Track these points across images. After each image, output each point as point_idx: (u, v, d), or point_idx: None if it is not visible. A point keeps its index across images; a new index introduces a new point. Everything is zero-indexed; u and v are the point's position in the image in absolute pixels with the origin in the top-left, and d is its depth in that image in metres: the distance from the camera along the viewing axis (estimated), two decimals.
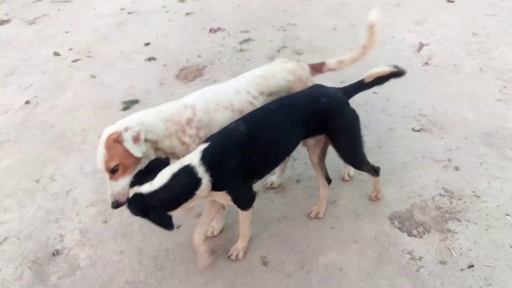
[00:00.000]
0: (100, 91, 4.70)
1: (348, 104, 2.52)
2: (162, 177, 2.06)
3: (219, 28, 5.99)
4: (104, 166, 2.13)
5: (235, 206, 2.40)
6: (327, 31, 5.61)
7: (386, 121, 3.74)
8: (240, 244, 2.60)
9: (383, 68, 2.53)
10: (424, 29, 5.39)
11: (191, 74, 4.84)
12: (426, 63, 4.62)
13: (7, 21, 7.06)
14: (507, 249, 2.50)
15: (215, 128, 2.37)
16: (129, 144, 2.10)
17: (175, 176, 2.07)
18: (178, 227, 2.82)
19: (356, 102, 4.00)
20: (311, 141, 2.61)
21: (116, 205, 2.16)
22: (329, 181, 2.79)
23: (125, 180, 2.16)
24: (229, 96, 2.49)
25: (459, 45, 4.91)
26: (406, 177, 3.10)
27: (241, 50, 5.29)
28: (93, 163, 2.51)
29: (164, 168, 2.11)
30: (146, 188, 2.04)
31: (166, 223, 2.05)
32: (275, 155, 2.45)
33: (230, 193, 2.26)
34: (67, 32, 6.42)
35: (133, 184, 2.11)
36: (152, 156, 2.27)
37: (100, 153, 2.13)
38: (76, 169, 3.50)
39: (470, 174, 3.08)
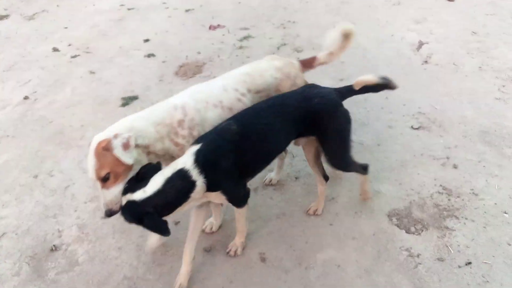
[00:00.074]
0: (99, 87, 4.69)
1: (341, 105, 2.48)
2: (155, 183, 2.02)
3: (218, 25, 5.99)
4: (95, 174, 2.08)
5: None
6: (326, 28, 5.49)
7: (385, 119, 3.74)
8: (238, 240, 2.61)
9: (369, 78, 2.45)
10: (424, 27, 5.40)
11: (191, 71, 4.83)
12: (426, 62, 4.62)
13: (6, 16, 7.04)
14: (505, 246, 2.51)
15: (208, 127, 2.34)
16: (119, 152, 2.05)
17: (169, 181, 2.03)
18: (177, 223, 2.82)
19: (355, 99, 3.99)
20: (302, 140, 2.60)
21: (109, 213, 2.11)
22: (326, 178, 2.79)
23: (118, 188, 2.10)
24: (218, 94, 2.45)
25: (458, 44, 4.92)
26: (404, 175, 3.11)
27: (240, 47, 5.29)
28: None
29: (156, 174, 2.06)
30: (139, 195, 1.99)
31: (162, 229, 2.00)
32: (266, 154, 2.42)
33: (225, 192, 2.24)
34: (66, 27, 6.40)
35: (125, 191, 2.06)
36: (145, 161, 2.21)
37: (90, 161, 2.08)
38: (74, 165, 3.50)
39: (468, 172, 3.09)
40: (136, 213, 1.99)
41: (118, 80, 4.80)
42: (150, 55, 5.29)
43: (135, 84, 4.67)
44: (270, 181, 3.13)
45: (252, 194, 2.99)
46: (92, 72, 5.00)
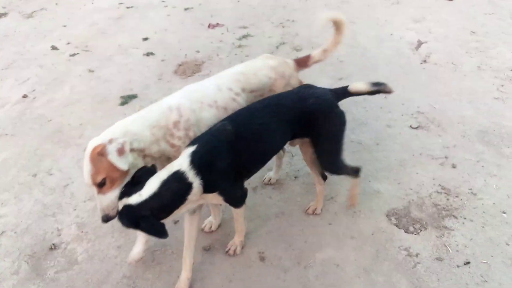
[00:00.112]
0: (98, 85, 4.69)
1: (337, 106, 2.45)
2: (151, 186, 2.00)
3: (217, 24, 5.98)
4: (91, 180, 2.05)
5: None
6: (326, 27, 5.57)
7: (384, 118, 3.75)
8: (237, 239, 2.61)
9: (361, 86, 2.43)
10: (423, 27, 5.40)
11: (190, 69, 4.83)
12: (425, 61, 4.63)
13: (5, 14, 7.02)
14: (503, 246, 2.52)
15: (203, 127, 2.32)
16: (114, 157, 2.02)
17: (165, 184, 2.01)
18: (176, 222, 2.82)
19: (354, 99, 3.99)
20: (297, 141, 2.59)
21: (106, 219, 2.09)
22: (324, 177, 2.78)
23: (114, 193, 2.08)
24: (212, 93, 2.42)
25: (457, 43, 4.93)
26: (403, 174, 3.11)
27: (239, 46, 5.28)
28: None
29: (152, 177, 2.05)
30: (135, 199, 1.97)
31: (159, 232, 1.99)
32: (262, 154, 2.41)
33: (222, 193, 2.22)
34: (65, 26, 6.39)
35: (121, 196, 2.04)
36: (140, 164, 2.18)
37: (86, 167, 2.05)
38: (73, 164, 3.49)
39: (467, 171, 3.09)
40: (133, 217, 1.97)
41: (117, 78, 4.79)
42: (149, 54, 5.28)
43: (134, 83, 4.66)
44: (269, 180, 3.13)
45: (251, 193, 3.02)
46: (91, 71, 5.00)
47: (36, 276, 2.57)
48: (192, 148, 2.11)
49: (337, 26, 2.76)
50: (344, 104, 3.93)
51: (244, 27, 5.79)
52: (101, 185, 2.06)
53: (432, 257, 2.49)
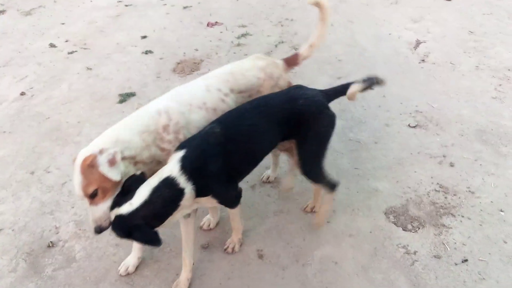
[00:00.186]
0: (96, 83, 4.67)
1: (327, 108, 2.41)
2: (141, 194, 1.96)
3: (216, 22, 5.97)
4: (82, 192, 2.01)
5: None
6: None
7: (383, 117, 3.75)
8: (235, 237, 2.61)
9: (356, 88, 2.38)
10: (421, 26, 5.41)
11: (188, 68, 4.82)
12: (423, 60, 4.64)
13: (3, 11, 6.99)
14: (501, 244, 2.53)
15: (193, 129, 2.29)
16: (105, 169, 1.98)
17: (155, 191, 1.97)
18: None
19: None
20: (286, 144, 2.54)
21: (99, 230, 2.05)
22: None
23: (106, 203, 2.04)
24: (201, 95, 2.39)
25: (456, 43, 4.94)
26: (401, 173, 3.12)
27: (238, 45, 5.28)
28: None
29: (142, 184, 2.00)
30: (126, 208, 1.93)
31: (153, 240, 1.95)
32: (253, 156, 2.37)
33: (216, 196, 2.20)
34: (63, 23, 6.36)
35: (112, 206, 2.01)
36: (132, 171, 2.14)
37: (77, 179, 2.01)
38: (71, 162, 3.44)
39: (465, 170, 3.10)
40: (125, 227, 1.93)
41: (115, 76, 4.78)
42: (147, 52, 5.27)
43: (133, 81, 4.65)
44: (268, 178, 3.13)
45: (249, 191, 3.02)
46: (89, 68, 4.98)
47: (34, 274, 2.57)
48: (181, 153, 2.07)
49: (321, 11, 2.71)
50: (343, 103, 3.96)
51: (243, 26, 5.79)
52: (92, 196, 2.02)
53: (430, 255, 2.50)
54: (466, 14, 5.64)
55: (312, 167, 2.47)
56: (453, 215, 2.74)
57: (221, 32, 5.69)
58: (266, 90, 2.53)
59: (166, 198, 1.99)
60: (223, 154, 2.13)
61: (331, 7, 6.27)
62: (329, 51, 4.94)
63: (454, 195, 2.90)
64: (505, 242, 2.54)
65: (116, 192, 2.07)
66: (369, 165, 3.22)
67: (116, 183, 2.06)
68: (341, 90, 2.50)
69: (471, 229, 2.64)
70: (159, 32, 5.84)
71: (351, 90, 2.40)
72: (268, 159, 3.10)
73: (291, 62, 2.77)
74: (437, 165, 3.17)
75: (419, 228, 2.68)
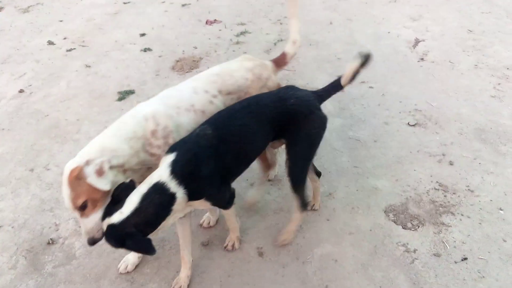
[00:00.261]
0: (95, 80, 4.66)
1: (319, 109, 2.38)
2: (131, 202, 1.92)
3: (215, 20, 5.97)
4: (72, 205, 1.97)
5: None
6: (324, 25, 5.61)
7: (382, 115, 3.76)
8: (233, 235, 2.61)
9: (354, 66, 2.38)
10: (420, 25, 5.42)
11: (187, 66, 4.82)
12: (422, 59, 4.64)
13: (0, 8, 6.97)
14: (500, 242, 2.54)
15: (183, 132, 2.25)
16: (93, 180, 1.94)
17: (145, 197, 1.93)
18: None
19: (352, 96, 4.05)
20: (277, 144, 2.54)
21: (92, 242, 2.03)
22: (318, 174, 2.77)
23: (97, 214, 2.01)
24: (189, 97, 2.35)
25: (454, 41, 4.95)
26: (401, 171, 3.13)
27: (237, 43, 5.28)
28: None
29: (132, 192, 1.97)
30: (117, 217, 1.90)
31: (146, 248, 1.92)
32: (245, 156, 2.34)
33: (209, 199, 2.16)
34: (61, 21, 6.35)
35: (104, 217, 1.97)
36: (122, 179, 2.10)
37: (65, 191, 1.97)
38: (70, 159, 3.46)
39: (464, 169, 3.11)
40: (117, 237, 1.90)
41: (114, 74, 4.77)
42: (146, 50, 5.26)
43: (131, 79, 4.64)
44: (268, 176, 3.13)
45: (249, 189, 3.02)
46: (87, 66, 4.97)
47: (34, 271, 2.56)
48: (171, 157, 2.03)
49: (291, 4, 2.76)
50: (343, 102, 3.97)
51: (242, 24, 5.78)
52: (83, 208, 1.98)
53: (429, 253, 2.50)
54: (465, 13, 5.65)
55: (299, 169, 2.44)
56: (453, 214, 2.75)
57: (220, 30, 5.68)
58: (254, 91, 2.50)
59: (157, 204, 1.95)
60: (215, 156, 2.10)
61: (330, 6, 6.28)
62: (328, 50, 4.95)
63: (454, 193, 2.90)
64: (505, 241, 2.55)
65: (107, 202, 2.03)
66: (368, 163, 3.23)
67: (105, 193, 2.02)
68: (332, 88, 2.49)
69: (470, 228, 2.65)
70: (158, 29, 5.83)
71: (345, 77, 2.40)
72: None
73: (280, 62, 2.76)
74: (436, 163, 3.18)
75: (418, 227, 2.68)
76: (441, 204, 2.83)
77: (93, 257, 2.63)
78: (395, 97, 3.99)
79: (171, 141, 2.20)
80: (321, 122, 2.39)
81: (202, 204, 2.18)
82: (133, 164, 2.15)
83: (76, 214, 2.01)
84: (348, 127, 3.63)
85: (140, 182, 2.04)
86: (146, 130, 2.18)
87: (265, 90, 2.52)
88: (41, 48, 5.50)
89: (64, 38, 5.74)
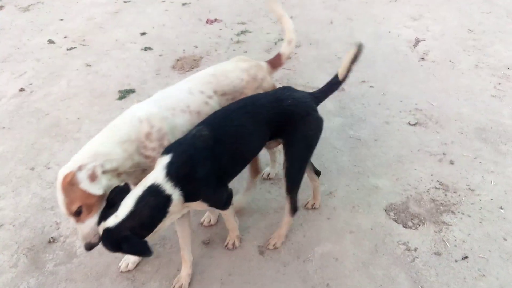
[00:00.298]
0: (95, 79, 4.66)
1: (315, 110, 2.37)
2: (126, 205, 1.91)
3: (215, 19, 5.97)
4: (67, 211, 1.95)
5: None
6: (324, 24, 5.62)
7: (382, 114, 3.76)
8: (233, 234, 2.60)
9: (349, 54, 2.35)
10: (421, 24, 5.43)
11: (188, 65, 4.82)
12: (422, 58, 4.65)
13: (1, 7, 6.96)
14: (501, 241, 2.54)
15: (178, 134, 2.22)
16: (85, 185, 1.92)
17: (140, 200, 1.92)
18: None
19: (352, 95, 4.06)
20: (273, 144, 2.54)
21: (89, 247, 2.01)
22: (317, 173, 2.76)
23: (93, 219, 1.99)
24: (184, 98, 2.32)
25: (455, 41, 4.95)
26: (401, 170, 3.13)
27: (238, 42, 5.28)
28: None
29: (127, 195, 1.95)
30: (112, 221, 1.88)
31: (142, 251, 1.91)
32: (242, 157, 2.32)
33: (206, 200, 2.15)
34: (61, 20, 6.35)
35: (99, 221, 1.95)
36: (117, 183, 2.08)
37: (59, 198, 1.96)
38: (71, 158, 3.46)
39: (465, 168, 3.12)
40: (114, 241, 1.89)
41: (114, 73, 4.77)
42: (147, 49, 5.26)
43: (132, 78, 4.64)
44: (268, 175, 3.14)
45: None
46: (88, 65, 4.97)
47: (35, 269, 2.56)
48: (167, 159, 2.01)
49: (277, 12, 2.75)
50: (343, 101, 3.98)
51: (242, 23, 5.78)
52: (78, 214, 1.97)
53: (430, 252, 2.51)
54: (465, 13, 5.66)
55: (296, 170, 2.43)
56: (453, 213, 2.75)
57: (220, 29, 5.69)
58: (250, 92, 2.48)
59: (153, 206, 1.94)
60: (211, 157, 2.08)
61: (331, 5, 6.30)
62: (328, 49, 4.95)
63: (454, 192, 2.91)
64: (505, 239, 2.55)
65: (102, 207, 2.02)
66: (369, 162, 3.23)
67: (100, 198, 2.00)
68: (330, 87, 2.48)
69: (471, 226, 2.65)
70: (158, 29, 5.83)
71: (341, 71, 2.39)
72: (266, 156, 3.12)
73: (275, 63, 2.74)
74: (437, 162, 3.18)
75: (419, 225, 2.69)
76: (441, 203, 2.83)
77: (94, 255, 2.62)
78: (396, 97, 3.99)
79: (166, 143, 2.18)
80: (318, 124, 2.38)
81: (199, 206, 2.17)
82: (127, 167, 2.13)
83: (72, 219, 2.00)
84: (349, 126, 3.63)
85: (136, 184, 2.03)
86: (140, 133, 2.15)
87: (260, 91, 2.51)
88: (42, 47, 5.50)
89: (65, 37, 5.74)
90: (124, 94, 4.33)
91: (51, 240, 2.74)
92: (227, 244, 2.62)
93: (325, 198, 2.93)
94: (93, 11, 6.55)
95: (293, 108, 2.28)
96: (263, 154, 2.90)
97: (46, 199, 3.06)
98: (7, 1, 7.20)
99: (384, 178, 3.06)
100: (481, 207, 2.78)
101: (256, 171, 2.81)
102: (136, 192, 1.95)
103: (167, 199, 1.97)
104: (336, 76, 2.46)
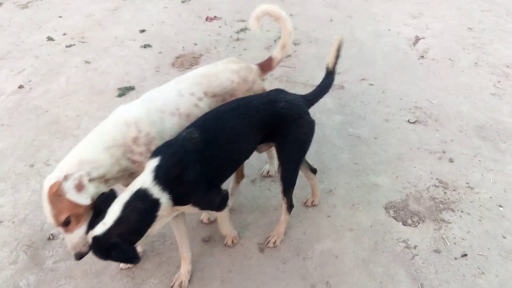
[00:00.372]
0: (95, 77, 4.65)
1: (307, 113, 2.37)
2: (113, 212, 1.87)
3: (215, 17, 5.96)
4: (54, 222, 1.91)
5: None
6: (324, 22, 5.61)
7: (382, 112, 3.76)
8: (229, 236, 2.58)
9: (335, 44, 2.42)
10: (420, 22, 5.43)
11: (187, 62, 4.81)
12: (422, 57, 4.65)
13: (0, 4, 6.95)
14: (500, 239, 2.55)
15: (167, 138, 2.17)
16: (72, 195, 1.88)
17: (127, 205, 1.88)
18: None
19: (352, 93, 4.06)
20: (264, 147, 2.52)
21: (79, 256, 1.97)
22: (313, 171, 2.75)
23: (82, 229, 1.94)
24: (174, 100, 2.27)
25: (454, 39, 4.95)
26: (401, 168, 3.13)
27: (237, 39, 5.27)
28: None
29: (114, 202, 1.92)
30: (100, 229, 1.85)
31: (130, 258, 1.89)
32: (233, 159, 2.29)
33: (196, 204, 2.09)
34: (60, 17, 6.33)
35: (88, 230, 1.92)
36: (104, 190, 2.04)
37: (46, 208, 1.90)
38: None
39: (464, 166, 3.12)
40: (103, 248, 1.86)
41: (113, 70, 4.76)
42: (146, 46, 5.25)
43: (131, 75, 4.64)
44: (268, 172, 3.14)
45: (250, 185, 3.03)
46: (87, 62, 4.96)
47: (35, 266, 2.56)
48: (155, 162, 1.97)
49: (276, 18, 2.73)
50: (343, 99, 3.98)
51: (242, 21, 5.77)
52: (66, 224, 1.92)
53: (430, 249, 2.51)
54: (465, 11, 5.66)
55: (290, 173, 2.43)
56: (453, 210, 2.76)
57: (220, 27, 5.68)
58: (240, 94, 2.44)
59: (141, 211, 1.90)
60: (201, 160, 2.04)
61: (331, 3, 6.28)
62: (328, 47, 4.87)
63: (454, 190, 2.91)
64: (504, 237, 2.56)
65: (91, 215, 1.98)
66: (369, 160, 3.23)
67: (88, 207, 1.96)
68: (320, 92, 2.49)
69: (470, 224, 2.66)
70: (158, 26, 5.82)
71: (331, 53, 2.46)
72: (263, 156, 3.11)
73: (266, 67, 2.69)
74: (436, 160, 3.18)
75: (419, 223, 2.69)
76: (441, 201, 2.83)
77: None
78: (395, 95, 3.99)
79: (154, 148, 2.12)
80: (310, 126, 2.37)
81: (189, 209, 2.12)
82: (114, 172, 2.08)
83: (60, 230, 1.96)
84: (349, 124, 3.63)
85: (126, 186, 2.00)
86: (127, 137, 2.09)
87: (251, 94, 2.48)
88: (41, 44, 5.49)
89: (64, 34, 5.72)
90: (124, 91, 4.32)
91: (51, 237, 2.74)
92: (226, 242, 2.61)
93: (325, 195, 2.93)
94: (92, 8, 6.53)
95: (286, 111, 2.26)
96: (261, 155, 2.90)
97: None
98: None
99: (384, 176, 3.07)
100: (481, 205, 2.78)
101: (241, 175, 2.81)
102: (123, 197, 1.91)
103: (155, 203, 1.93)
104: (325, 78, 2.49)
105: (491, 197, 2.84)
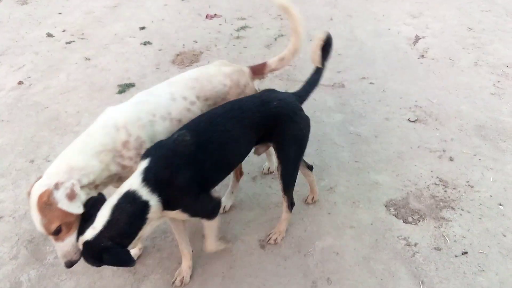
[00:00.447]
0: (95, 73, 4.65)
1: (301, 109, 2.35)
2: (102, 215, 1.83)
3: (215, 15, 5.96)
4: (45, 231, 1.86)
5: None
6: (324, 21, 5.62)
7: (382, 111, 3.77)
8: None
9: (319, 38, 2.40)
10: (420, 22, 5.44)
11: (187, 59, 4.81)
12: (422, 56, 4.66)
13: None
14: (500, 237, 2.56)
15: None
16: (64, 205, 1.83)
17: (116, 209, 1.84)
18: None
19: (352, 91, 4.07)
20: (262, 149, 2.51)
21: (70, 264, 1.93)
22: (310, 168, 2.74)
23: (73, 237, 1.89)
24: (165, 104, 2.21)
25: (454, 39, 4.97)
26: (401, 166, 3.14)
27: (237, 37, 5.27)
28: None
29: (103, 205, 1.88)
30: (90, 233, 1.81)
31: (124, 261, 1.86)
32: (227, 163, 2.25)
33: (186, 210, 2.04)
34: (60, 13, 6.32)
35: (78, 236, 1.88)
36: (94, 195, 2.00)
37: (35, 217, 1.84)
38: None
39: (464, 164, 3.13)
40: (95, 253, 1.81)
41: (113, 67, 4.75)
42: (146, 43, 5.24)
43: (131, 72, 4.63)
44: (268, 169, 3.14)
45: (250, 182, 3.04)
46: (87, 59, 4.95)
47: (36, 261, 2.56)
48: (144, 164, 1.93)
49: (290, 20, 2.61)
50: (343, 97, 3.98)
51: (242, 19, 5.77)
52: (57, 233, 1.87)
53: (430, 247, 2.52)
54: (465, 11, 5.68)
55: (290, 172, 2.42)
56: (453, 209, 2.77)
57: (220, 25, 5.68)
58: (232, 98, 2.41)
59: (130, 214, 1.86)
60: (193, 163, 1.99)
61: (331, 2, 6.26)
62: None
63: (454, 188, 2.92)
64: (504, 235, 2.57)
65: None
66: (369, 158, 3.24)
67: (80, 215, 1.91)
68: (309, 87, 2.48)
69: (470, 222, 2.67)
70: (158, 23, 5.81)
71: (313, 49, 2.44)
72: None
73: (257, 71, 2.62)
74: (436, 159, 3.19)
75: (419, 221, 2.70)
76: (441, 199, 2.85)
77: None
78: (396, 93, 4.00)
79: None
80: (305, 122, 2.35)
81: (179, 215, 2.06)
82: (104, 178, 2.04)
83: (50, 238, 1.91)
84: (349, 122, 3.64)
85: (117, 188, 1.97)
86: (117, 142, 2.04)
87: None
88: (40, 40, 5.47)
89: (63, 31, 5.71)
90: (124, 88, 4.32)
91: None
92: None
93: (326, 193, 2.94)
94: (92, 5, 6.52)
95: (279, 110, 2.24)
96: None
97: None
98: None
99: (384, 174, 3.08)
100: (481, 204, 2.80)
101: (239, 173, 2.81)
102: (111, 200, 1.88)
103: (145, 206, 1.89)
104: (313, 73, 2.49)
105: (491, 196, 2.85)
